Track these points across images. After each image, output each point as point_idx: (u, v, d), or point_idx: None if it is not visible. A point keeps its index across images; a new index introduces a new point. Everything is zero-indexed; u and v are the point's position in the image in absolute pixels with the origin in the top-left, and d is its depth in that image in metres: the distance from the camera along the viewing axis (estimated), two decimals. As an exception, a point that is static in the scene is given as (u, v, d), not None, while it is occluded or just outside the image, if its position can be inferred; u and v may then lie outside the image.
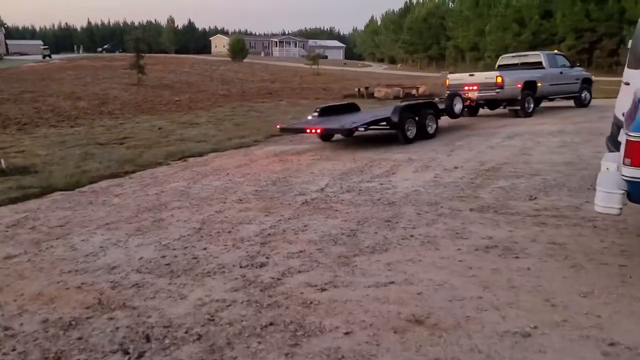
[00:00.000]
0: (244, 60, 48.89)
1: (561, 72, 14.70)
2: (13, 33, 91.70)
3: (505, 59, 16.05)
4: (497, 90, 13.02)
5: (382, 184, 6.43)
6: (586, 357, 2.49)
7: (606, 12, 40.78)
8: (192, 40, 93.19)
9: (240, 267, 3.85)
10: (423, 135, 10.18)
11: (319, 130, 9.72)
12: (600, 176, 3.46)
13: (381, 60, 79.63)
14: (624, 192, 3.09)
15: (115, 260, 4.07)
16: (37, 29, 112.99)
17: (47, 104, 18.28)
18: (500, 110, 14.24)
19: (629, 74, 5.68)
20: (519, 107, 13.53)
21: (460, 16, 56.38)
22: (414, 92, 22.88)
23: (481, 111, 14.81)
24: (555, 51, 17.22)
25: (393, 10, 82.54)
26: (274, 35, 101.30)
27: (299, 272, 3.70)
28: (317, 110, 10.94)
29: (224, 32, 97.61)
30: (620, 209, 3.12)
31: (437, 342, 2.67)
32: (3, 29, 68.54)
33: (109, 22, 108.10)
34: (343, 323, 2.92)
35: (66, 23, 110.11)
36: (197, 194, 6.24)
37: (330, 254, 4.04)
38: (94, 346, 2.78)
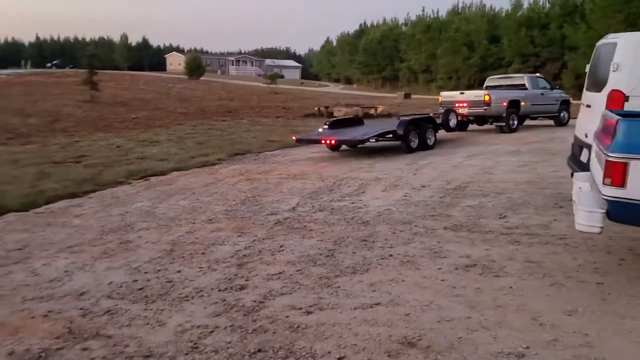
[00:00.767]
0: (201, 78, 48.28)
1: (542, 94, 15.91)
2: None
3: (492, 80, 17.40)
4: (485, 107, 14.34)
5: (353, 202, 6.41)
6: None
7: (548, 38, 42.87)
8: (147, 57, 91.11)
9: (219, 290, 3.71)
10: (424, 146, 11.22)
11: (333, 142, 10.64)
12: (578, 195, 3.55)
13: (337, 81, 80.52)
14: (604, 211, 3.17)
15: (83, 286, 3.83)
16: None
17: (-7, 120, 17.33)
18: (455, 133, 14.57)
19: (588, 96, 5.95)
20: (504, 124, 14.79)
21: (412, 39, 57.97)
22: (372, 112, 23.19)
23: (441, 132, 15.14)
24: (538, 74, 18.61)
25: (348, 32, 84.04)
26: (230, 53, 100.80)
27: (281, 294, 3.60)
28: (327, 123, 12.08)
29: (179, 50, 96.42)
30: (601, 227, 3.21)
31: (432, 364, 2.63)
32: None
33: (59, 37, 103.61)
34: (334, 347, 2.84)
35: (13, 37, 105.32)
36: (164, 214, 6.02)
37: (311, 275, 3.96)
38: (69, 380, 2.58)
